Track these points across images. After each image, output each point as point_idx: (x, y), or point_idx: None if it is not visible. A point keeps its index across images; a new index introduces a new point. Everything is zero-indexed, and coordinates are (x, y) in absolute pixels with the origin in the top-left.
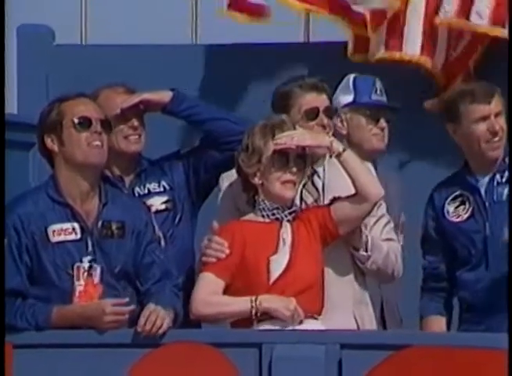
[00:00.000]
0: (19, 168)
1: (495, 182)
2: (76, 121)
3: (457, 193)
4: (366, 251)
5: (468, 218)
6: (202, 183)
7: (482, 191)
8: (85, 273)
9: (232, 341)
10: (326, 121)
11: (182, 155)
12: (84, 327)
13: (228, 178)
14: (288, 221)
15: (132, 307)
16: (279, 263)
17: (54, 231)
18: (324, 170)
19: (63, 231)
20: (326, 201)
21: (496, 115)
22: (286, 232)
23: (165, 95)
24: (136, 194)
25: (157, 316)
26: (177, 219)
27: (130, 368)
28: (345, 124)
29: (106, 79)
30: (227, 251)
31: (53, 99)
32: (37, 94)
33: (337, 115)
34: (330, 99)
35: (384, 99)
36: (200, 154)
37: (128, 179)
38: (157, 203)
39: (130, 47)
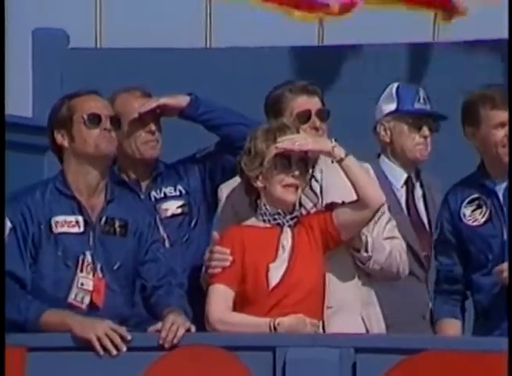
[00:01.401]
0: (35, 171)
1: None
2: (86, 117)
3: (474, 196)
4: (367, 251)
5: (485, 222)
6: (218, 187)
7: (500, 195)
8: (89, 266)
9: (245, 345)
10: (318, 123)
11: (198, 159)
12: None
13: (227, 188)
14: (289, 226)
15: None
16: (277, 270)
17: (57, 222)
18: (322, 173)
19: (67, 223)
20: (325, 205)
21: None
22: (287, 238)
23: (182, 100)
24: (152, 198)
25: (178, 327)
26: (193, 223)
27: (144, 371)
28: (388, 132)
29: (121, 82)
30: (230, 258)
31: (63, 96)
32: (51, 97)
33: (381, 123)
34: (322, 102)
35: (427, 107)
36: (216, 158)
37: (144, 184)
38: (173, 207)
39: (144, 50)
